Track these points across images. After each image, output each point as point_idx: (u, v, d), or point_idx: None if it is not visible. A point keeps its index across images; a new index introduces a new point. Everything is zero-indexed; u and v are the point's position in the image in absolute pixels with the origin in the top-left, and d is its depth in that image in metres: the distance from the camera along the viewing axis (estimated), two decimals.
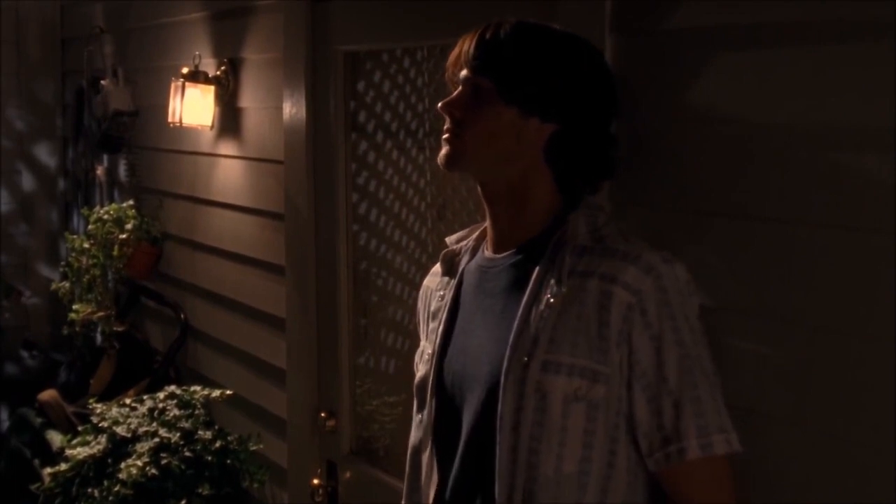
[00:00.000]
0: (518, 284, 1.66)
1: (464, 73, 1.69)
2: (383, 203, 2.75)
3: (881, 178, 1.46)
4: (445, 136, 1.69)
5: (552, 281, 1.61)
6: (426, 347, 1.83)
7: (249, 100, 3.32)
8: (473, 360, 1.70)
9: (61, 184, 5.24)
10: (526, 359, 1.59)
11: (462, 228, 2.37)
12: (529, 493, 1.58)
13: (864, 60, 1.49)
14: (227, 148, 3.46)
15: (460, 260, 1.83)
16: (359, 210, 2.84)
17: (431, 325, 1.83)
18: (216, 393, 3.24)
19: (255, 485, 3.13)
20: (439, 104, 1.71)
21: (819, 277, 1.56)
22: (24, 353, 4.98)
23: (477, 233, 1.82)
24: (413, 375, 1.86)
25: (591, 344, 1.56)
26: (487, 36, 1.67)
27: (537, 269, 1.64)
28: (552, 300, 1.60)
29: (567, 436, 1.57)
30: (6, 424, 4.68)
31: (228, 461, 3.09)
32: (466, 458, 1.69)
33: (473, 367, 1.69)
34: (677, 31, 1.77)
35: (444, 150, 1.69)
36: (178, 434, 3.08)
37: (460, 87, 1.69)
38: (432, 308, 1.85)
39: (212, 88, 3.43)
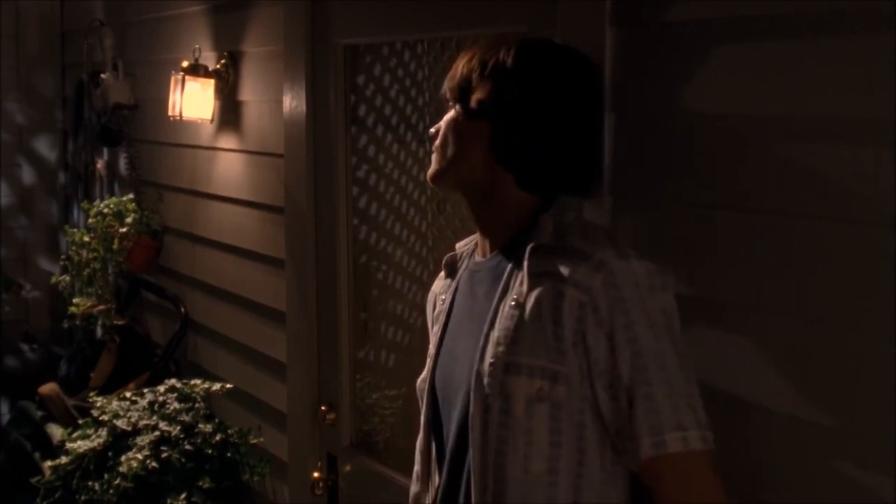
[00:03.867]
0: (495, 287, 1.69)
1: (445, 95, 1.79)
2: (383, 197, 2.75)
3: (880, 171, 1.46)
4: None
5: (517, 282, 1.64)
6: (430, 351, 1.87)
7: (249, 93, 3.32)
8: (458, 364, 1.73)
9: (61, 177, 5.24)
10: (491, 360, 1.62)
11: (461, 222, 2.38)
12: (500, 493, 1.60)
13: (865, 53, 1.49)
14: (226, 141, 3.46)
15: (461, 264, 1.87)
16: (359, 204, 2.84)
17: (434, 329, 1.88)
18: (216, 386, 3.24)
19: (256, 478, 3.13)
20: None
21: (818, 270, 1.56)
22: (25, 347, 4.98)
23: (477, 238, 1.85)
24: (420, 373, 1.89)
25: (548, 344, 1.57)
26: (463, 58, 1.76)
27: (506, 271, 1.67)
28: (513, 302, 1.62)
29: (533, 436, 1.58)
30: (7, 418, 4.68)
31: (229, 454, 3.09)
32: (452, 461, 1.73)
33: (458, 370, 1.73)
34: (677, 24, 1.77)
35: (429, 170, 1.80)
36: (178, 427, 3.09)
37: None
38: (436, 312, 1.89)
39: (212, 82, 3.43)
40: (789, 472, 1.63)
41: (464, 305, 1.79)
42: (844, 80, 1.51)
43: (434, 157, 1.77)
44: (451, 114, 1.74)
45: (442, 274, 1.92)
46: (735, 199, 1.68)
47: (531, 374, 1.58)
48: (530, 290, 1.60)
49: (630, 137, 1.85)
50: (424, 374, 1.86)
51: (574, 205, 1.70)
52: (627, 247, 1.59)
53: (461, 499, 1.69)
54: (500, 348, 1.61)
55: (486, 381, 1.62)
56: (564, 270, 1.57)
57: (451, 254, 1.90)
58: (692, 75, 1.74)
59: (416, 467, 1.91)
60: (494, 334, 1.63)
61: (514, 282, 1.65)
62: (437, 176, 1.77)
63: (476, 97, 1.69)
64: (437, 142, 1.76)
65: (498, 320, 1.64)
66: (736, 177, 1.68)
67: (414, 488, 1.93)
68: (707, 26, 1.71)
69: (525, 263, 1.62)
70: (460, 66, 1.74)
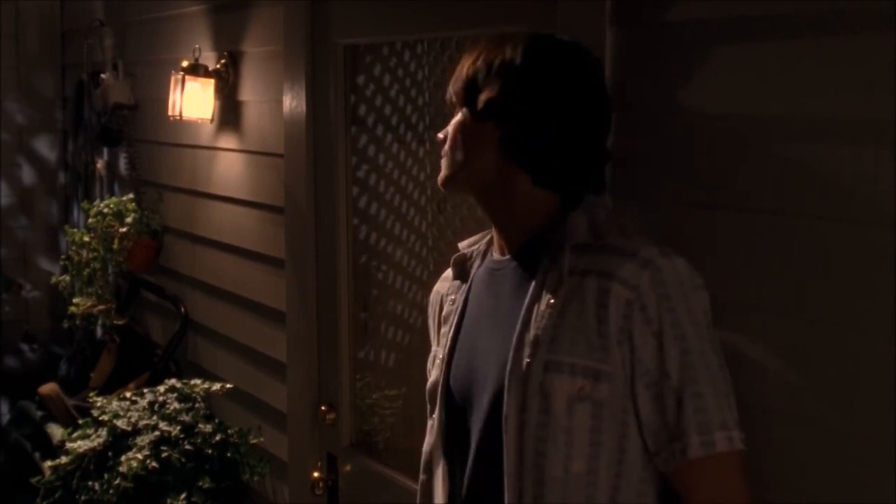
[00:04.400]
0: (521, 286, 1.67)
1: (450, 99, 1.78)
2: (383, 196, 2.75)
3: (880, 171, 1.46)
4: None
5: (553, 280, 1.62)
6: (438, 352, 1.85)
7: (249, 93, 3.32)
8: (480, 364, 1.71)
9: (61, 177, 5.24)
10: (528, 360, 1.59)
11: (461, 222, 2.38)
12: (538, 495, 1.58)
13: (865, 53, 1.49)
14: (227, 141, 3.46)
15: (472, 264, 1.84)
16: (359, 203, 2.84)
17: (443, 330, 1.85)
18: (216, 386, 3.24)
19: (256, 478, 3.13)
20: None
21: (818, 270, 1.56)
22: (25, 347, 4.98)
23: (488, 237, 1.84)
24: (420, 373, 1.87)
25: (591, 342, 1.55)
26: (466, 59, 1.74)
27: (539, 269, 1.65)
28: (552, 300, 1.60)
29: (573, 436, 1.56)
30: (7, 417, 4.68)
31: (229, 454, 3.09)
32: (478, 462, 1.70)
33: (480, 371, 1.70)
34: (677, 23, 1.77)
35: (439, 176, 1.79)
36: (178, 427, 3.09)
37: None
38: (444, 312, 1.86)
39: (212, 82, 3.43)
40: (790, 472, 1.63)
41: (483, 305, 1.76)
42: (844, 80, 1.51)
43: (443, 162, 1.75)
44: (458, 117, 1.72)
45: (448, 274, 1.89)
46: (735, 199, 1.68)
47: (573, 373, 1.56)
48: (572, 287, 1.59)
49: (630, 137, 1.85)
50: (435, 375, 1.82)
51: (604, 202, 1.70)
52: (666, 245, 1.58)
53: (490, 501, 1.66)
54: (539, 347, 1.59)
55: (524, 379, 1.59)
56: (609, 267, 1.55)
57: (460, 254, 1.87)
58: (692, 75, 1.74)
59: (422, 476, 1.87)
60: (531, 333, 1.61)
61: (549, 280, 1.62)
62: (449, 180, 1.75)
63: (483, 98, 1.67)
64: (446, 146, 1.74)
65: (533, 319, 1.61)
66: (736, 177, 1.68)
67: (421, 494, 1.89)
68: (707, 26, 1.71)
69: (565, 261, 1.61)
70: (464, 69, 1.72)
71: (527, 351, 1.60)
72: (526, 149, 1.67)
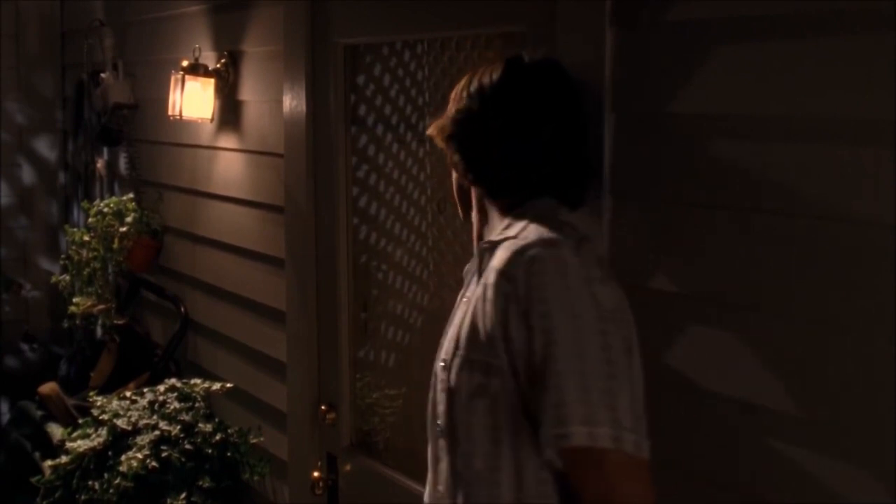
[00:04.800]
0: (468, 289, 1.75)
1: None
2: (383, 196, 2.75)
3: (880, 171, 1.46)
4: None
5: (473, 282, 1.69)
6: None
7: (249, 93, 3.32)
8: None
9: (61, 177, 5.24)
10: (444, 358, 1.67)
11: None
12: (454, 490, 1.64)
13: (865, 53, 1.49)
14: (227, 141, 3.46)
15: None
16: (359, 203, 2.84)
17: None
18: (216, 386, 3.24)
19: (256, 477, 3.13)
20: None
21: (818, 270, 1.56)
22: (25, 347, 4.98)
23: None
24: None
25: (485, 337, 1.58)
26: None
27: (471, 272, 1.74)
28: (465, 300, 1.68)
29: (474, 432, 1.59)
30: (6, 417, 4.68)
31: (229, 454, 3.09)
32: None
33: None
34: (677, 23, 1.77)
35: None
36: (178, 427, 3.09)
37: None
38: None
39: (212, 81, 3.43)
40: (790, 471, 1.63)
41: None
42: (844, 80, 1.51)
43: None
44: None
45: None
46: (735, 199, 1.68)
47: (471, 369, 1.60)
48: (476, 286, 1.64)
49: (630, 137, 1.86)
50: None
51: (541, 203, 1.72)
52: (575, 236, 1.59)
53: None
54: (450, 345, 1.66)
55: (439, 377, 1.67)
56: (495, 262, 1.58)
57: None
58: (692, 75, 1.74)
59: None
60: (449, 333, 1.68)
61: (473, 282, 1.70)
62: (462, 216, 1.93)
63: (437, 125, 1.82)
64: None
65: (457, 319, 1.69)
66: (735, 177, 1.68)
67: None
68: (707, 26, 1.72)
69: (475, 262, 1.68)
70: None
71: (443, 350, 1.68)
72: (472, 166, 1.76)
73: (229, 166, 3.47)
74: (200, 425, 3.11)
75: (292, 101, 2.98)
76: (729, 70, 1.68)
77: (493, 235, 1.69)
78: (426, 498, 1.80)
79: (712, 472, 1.74)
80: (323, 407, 2.93)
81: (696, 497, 1.77)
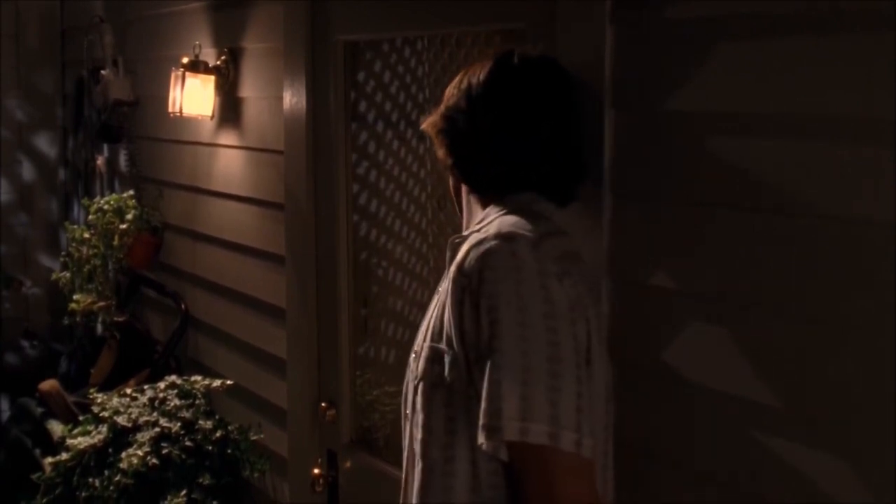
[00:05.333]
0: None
1: None
2: (383, 193, 2.75)
3: (880, 170, 1.46)
4: None
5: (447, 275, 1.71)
6: None
7: (249, 89, 3.32)
8: None
9: (61, 174, 5.24)
10: (415, 349, 1.71)
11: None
12: (413, 478, 1.67)
13: (865, 52, 1.49)
14: (227, 138, 3.46)
15: None
16: (359, 200, 2.84)
17: None
18: (217, 383, 3.24)
19: (256, 474, 3.14)
20: None
21: (818, 269, 1.56)
22: (25, 344, 4.98)
23: None
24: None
25: (446, 329, 1.61)
26: None
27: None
28: (438, 293, 1.71)
29: (431, 421, 1.61)
30: (7, 414, 4.68)
31: (229, 451, 3.10)
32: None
33: None
34: (677, 21, 1.77)
35: None
36: (178, 424, 3.09)
37: None
38: None
39: (212, 78, 3.43)
40: (790, 470, 1.63)
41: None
42: (845, 79, 1.51)
43: None
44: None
45: None
46: (735, 198, 1.68)
47: (433, 360, 1.62)
48: (446, 280, 1.66)
49: (630, 135, 1.85)
50: None
51: (519, 198, 1.73)
52: (542, 231, 1.60)
53: None
54: (420, 337, 1.70)
55: (410, 367, 1.72)
56: (458, 256, 1.60)
57: None
58: (692, 73, 1.74)
59: None
60: (422, 325, 1.72)
61: (446, 275, 1.71)
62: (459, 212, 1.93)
63: (435, 126, 1.83)
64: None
65: (429, 312, 1.72)
66: (736, 175, 1.68)
67: None
68: (707, 24, 1.71)
69: (447, 256, 1.70)
70: None
71: (419, 339, 1.72)
72: (458, 162, 1.79)
73: (229, 163, 3.47)
74: (201, 422, 3.12)
75: (292, 98, 2.98)
76: (729, 68, 1.68)
77: (467, 230, 1.74)
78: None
79: (711, 471, 1.74)
80: (323, 404, 2.93)
81: (695, 495, 1.77)
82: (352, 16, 2.78)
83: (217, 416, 3.20)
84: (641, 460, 1.85)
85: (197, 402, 3.20)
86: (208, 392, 3.26)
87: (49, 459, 3.22)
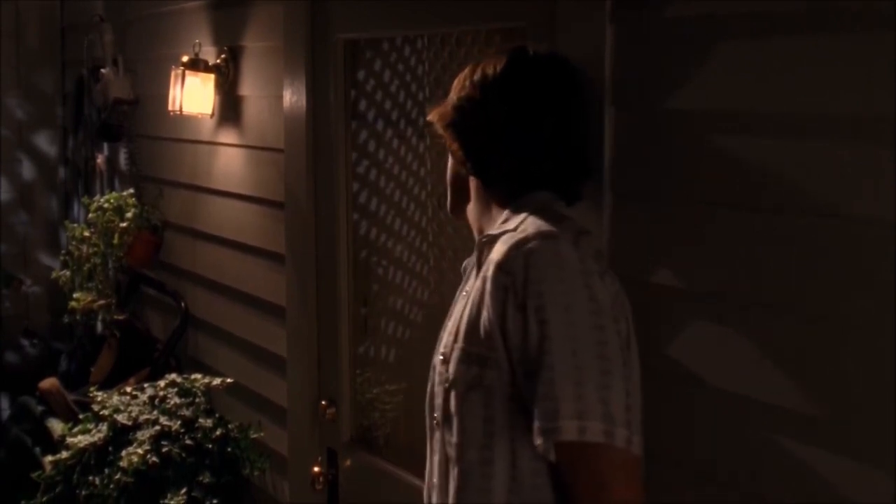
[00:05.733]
0: (467, 282, 1.76)
1: None
2: (384, 192, 2.75)
3: (880, 170, 1.47)
4: None
5: (473, 275, 1.70)
6: None
7: (249, 88, 3.32)
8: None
9: (61, 173, 5.24)
10: (442, 351, 1.68)
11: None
12: (444, 482, 1.65)
13: (865, 52, 1.49)
14: (227, 136, 3.47)
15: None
16: (359, 199, 2.84)
17: None
18: (217, 381, 3.24)
19: (256, 473, 3.14)
20: None
21: (818, 267, 1.56)
22: (25, 342, 4.98)
23: None
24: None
25: (483, 330, 1.59)
26: None
27: (470, 266, 1.75)
28: (464, 293, 1.69)
29: (467, 423, 1.60)
30: (7, 413, 4.68)
31: (229, 449, 3.10)
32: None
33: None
34: (677, 20, 1.77)
35: None
36: (178, 422, 3.09)
37: None
38: None
39: (212, 77, 3.43)
40: (790, 469, 1.63)
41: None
42: (845, 79, 1.51)
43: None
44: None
45: None
46: (735, 197, 1.68)
47: (468, 362, 1.60)
48: (475, 280, 1.65)
49: (630, 134, 1.86)
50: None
51: (539, 197, 1.73)
52: (574, 230, 1.59)
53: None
54: (449, 338, 1.67)
55: (438, 370, 1.68)
56: (494, 255, 1.59)
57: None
58: (692, 72, 1.74)
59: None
60: (448, 326, 1.70)
61: (472, 275, 1.71)
62: (450, 212, 1.94)
63: (437, 113, 1.82)
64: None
65: (456, 312, 1.69)
66: (736, 174, 1.68)
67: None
68: (707, 23, 1.72)
69: (474, 255, 1.68)
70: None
71: (442, 343, 1.69)
72: (471, 155, 1.77)
73: (229, 162, 3.47)
74: (201, 421, 3.12)
75: (292, 97, 2.98)
76: (729, 68, 1.68)
77: (493, 228, 1.70)
78: (425, 492, 1.82)
79: (712, 469, 1.74)
80: (323, 402, 2.94)
81: (695, 494, 1.77)
82: (352, 14, 2.78)
83: (217, 415, 3.20)
84: (642, 459, 1.84)
85: (197, 400, 3.20)
86: (208, 390, 3.26)
87: (49, 458, 3.22)
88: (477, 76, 1.76)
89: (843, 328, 1.54)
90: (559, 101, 1.75)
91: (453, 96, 1.80)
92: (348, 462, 2.89)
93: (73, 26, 4.97)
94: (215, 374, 3.37)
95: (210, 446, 3.07)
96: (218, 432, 3.10)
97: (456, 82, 1.82)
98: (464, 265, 1.82)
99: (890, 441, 1.47)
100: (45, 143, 5.24)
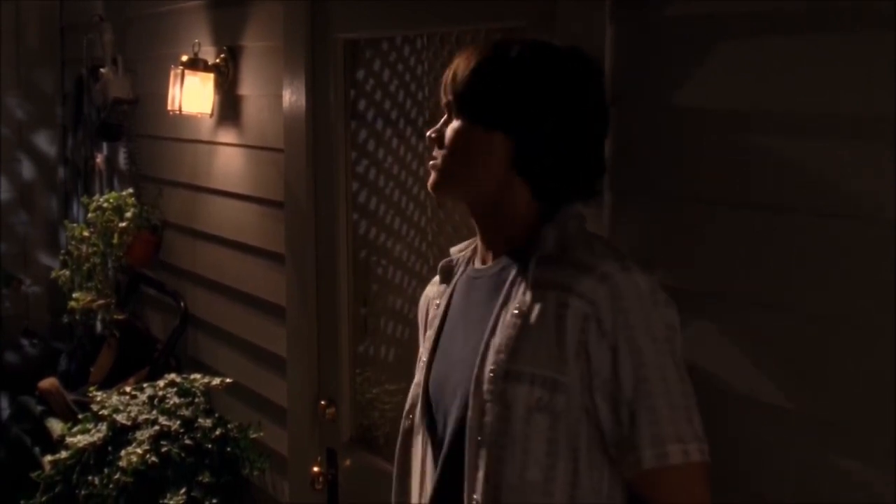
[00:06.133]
0: (495, 295, 1.68)
1: (444, 99, 1.75)
2: (383, 191, 2.75)
3: (880, 168, 1.46)
4: (430, 163, 1.76)
5: (519, 291, 1.64)
6: (422, 355, 1.87)
7: (249, 88, 3.32)
8: (453, 369, 1.74)
9: (61, 172, 5.24)
10: (491, 368, 1.62)
11: (461, 217, 2.38)
12: (495, 499, 1.60)
13: (865, 51, 1.49)
14: (226, 136, 3.46)
15: (456, 270, 1.86)
16: (359, 198, 2.84)
17: (427, 333, 1.87)
18: (216, 381, 3.24)
19: (256, 473, 3.14)
20: (427, 133, 1.77)
21: (818, 266, 1.56)
22: (25, 342, 4.98)
23: (474, 244, 1.85)
24: (413, 373, 1.89)
25: (550, 354, 1.57)
26: (466, 62, 1.71)
27: (508, 280, 1.67)
28: (516, 311, 1.62)
29: (530, 444, 1.58)
30: (7, 413, 4.69)
31: (228, 449, 3.10)
32: (446, 465, 1.72)
33: (453, 376, 1.73)
34: (677, 19, 1.77)
35: (430, 178, 1.76)
36: (178, 422, 3.09)
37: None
38: (430, 316, 1.89)
39: (211, 76, 3.42)
40: (788, 468, 1.63)
41: (460, 310, 1.79)
42: (845, 77, 1.51)
43: (436, 165, 1.73)
44: (459, 124, 1.69)
45: (436, 279, 1.90)
46: (735, 196, 1.68)
47: (532, 383, 1.58)
48: (534, 300, 1.60)
49: (630, 133, 1.85)
50: (418, 378, 1.85)
51: (576, 213, 1.71)
52: (630, 259, 1.60)
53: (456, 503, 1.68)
54: (501, 356, 1.61)
55: (485, 387, 1.62)
56: (569, 281, 1.57)
57: (448, 259, 1.89)
58: (692, 71, 1.74)
59: (414, 476, 1.87)
60: (495, 341, 1.63)
61: (517, 291, 1.64)
62: (441, 186, 1.75)
63: (494, 107, 1.66)
64: (444, 152, 1.71)
65: (499, 328, 1.64)
66: (736, 173, 1.68)
67: (397, 486, 1.90)
68: (707, 22, 1.71)
69: (530, 274, 1.63)
70: (463, 71, 1.69)
71: (490, 359, 1.63)
72: (539, 163, 1.67)
73: (229, 161, 3.47)
74: (200, 420, 3.12)
75: (292, 97, 2.98)
76: (729, 67, 1.68)
77: (544, 248, 1.64)
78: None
79: (712, 469, 1.74)
80: (323, 402, 2.93)
81: None
82: (351, 14, 2.78)
83: (217, 415, 3.20)
84: None
85: (196, 400, 3.20)
86: (208, 390, 3.26)
87: (49, 458, 3.22)
88: (548, 74, 1.66)
89: (843, 328, 1.53)
90: (597, 99, 1.73)
91: (477, 82, 1.67)
92: (348, 462, 2.89)
93: (73, 26, 4.97)
94: (215, 373, 3.36)
95: (210, 446, 3.06)
96: (217, 432, 3.10)
97: (466, 63, 1.69)
98: (490, 273, 1.73)
99: (890, 441, 1.47)
100: (44, 142, 5.24)
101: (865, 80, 1.48)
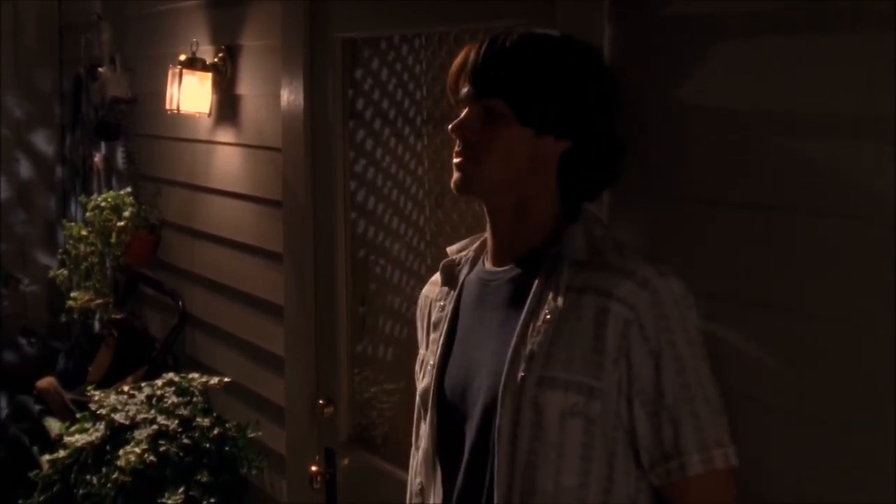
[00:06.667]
0: (517, 299, 1.66)
1: (467, 90, 1.67)
2: (381, 191, 2.75)
3: (881, 168, 1.46)
4: (458, 160, 1.67)
5: (549, 296, 1.61)
6: (428, 358, 1.83)
7: (247, 87, 3.32)
8: (473, 374, 1.70)
9: (59, 171, 5.24)
10: (522, 374, 1.59)
11: (459, 216, 2.38)
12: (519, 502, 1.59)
13: (865, 51, 1.49)
14: (224, 135, 3.46)
15: (460, 271, 1.82)
16: (357, 198, 2.84)
17: (432, 336, 1.83)
18: (214, 380, 3.24)
19: (254, 472, 3.14)
20: (450, 126, 1.68)
21: (818, 266, 1.56)
22: (23, 341, 4.98)
23: (477, 244, 1.82)
24: (412, 372, 1.87)
25: (586, 359, 1.56)
26: (493, 52, 1.64)
27: (535, 283, 1.64)
28: (548, 315, 1.60)
29: (565, 450, 1.57)
30: (5, 412, 4.68)
31: (227, 448, 3.10)
32: (470, 470, 1.69)
33: (473, 381, 1.70)
34: (675, 18, 1.77)
35: (457, 175, 1.67)
36: (176, 421, 3.09)
37: (469, 108, 1.67)
38: (433, 318, 1.85)
39: (209, 75, 3.42)
40: (790, 470, 1.63)
41: (474, 314, 1.75)
42: (845, 77, 1.51)
43: (466, 163, 1.66)
44: (506, 126, 1.63)
45: (436, 279, 1.87)
46: (735, 195, 1.68)
47: (566, 389, 1.56)
48: (569, 304, 1.59)
49: (629, 133, 1.85)
50: (427, 382, 1.80)
51: (596, 216, 1.71)
52: (661, 262, 1.61)
53: None
54: (534, 362, 1.59)
55: (517, 393, 1.59)
56: (607, 286, 1.56)
57: (449, 259, 1.85)
58: (691, 71, 1.74)
59: (419, 478, 1.86)
60: (526, 347, 1.60)
61: (546, 295, 1.62)
62: (472, 185, 1.67)
63: (541, 111, 1.62)
64: (482, 153, 1.64)
65: (529, 334, 1.61)
66: (736, 173, 1.67)
67: (416, 499, 1.87)
68: (706, 21, 1.71)
69: (563, 278, 1.60)
70: (510, 72, 1.63)
71: (522, 365, 1.60)
72: (589, 165, 1.67)
73: (227, 161, 3.47)
74: (198, 420, 3.11)
75: (290, 96, 2.98)
76: (728, 66, 1.68)
77: (573, 251, 1.62)
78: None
79: None
80: (321, 401, 2.93)
81: None
82: (350, 13, 2.78)
83: (215, 414, 3.20)
84: None
85: (195, 399, 3.20)
86: (206, 389, 3.26)
87: (47, 457, 3.22)
88: (600, 80, 1.66)
89: (843, 328, 1.53)
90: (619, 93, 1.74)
91: (516, 75, 1.62)
92: (346, 461, 2.89)
93: (72, 25, 4.97)
94: (213, 373, 3.36)
95: (208, 445, 3.06)
96: (216, 431, 3.10)
97: (478, 49, 1.65)
98: (511, 276, 1.69)
99: (890, 441, 1.47)
100: (42, 141, 5.24)
101: (865, 80, 1.48)
